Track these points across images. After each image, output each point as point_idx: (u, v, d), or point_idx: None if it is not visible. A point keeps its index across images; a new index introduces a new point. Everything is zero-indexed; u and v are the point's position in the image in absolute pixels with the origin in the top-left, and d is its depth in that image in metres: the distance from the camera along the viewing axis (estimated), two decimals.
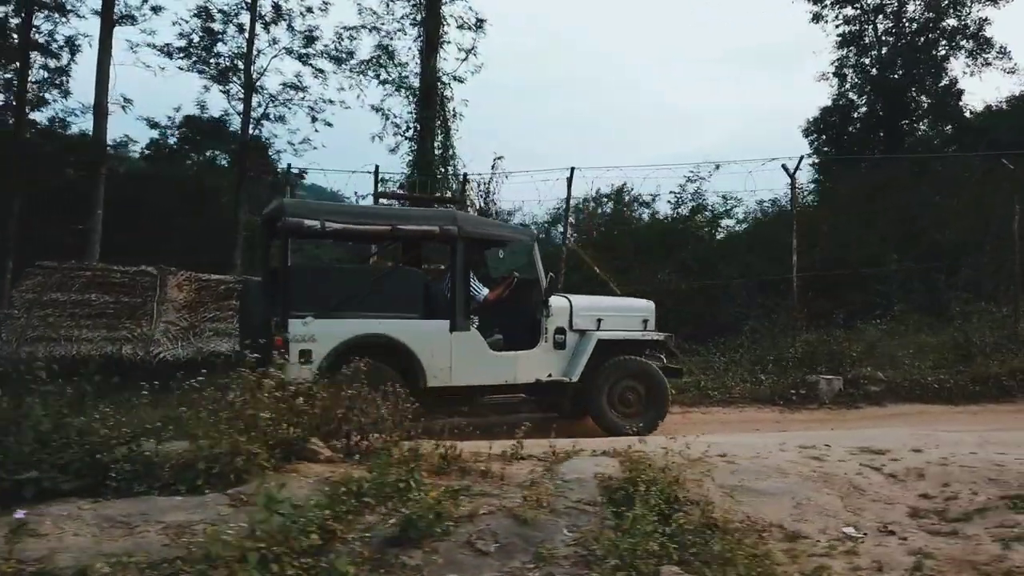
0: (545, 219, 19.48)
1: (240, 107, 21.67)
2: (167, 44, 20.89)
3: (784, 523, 5.17)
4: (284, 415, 5.06)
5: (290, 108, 22.30)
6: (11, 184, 17.45)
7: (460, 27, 17.19)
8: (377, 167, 13.47)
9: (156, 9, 19.85)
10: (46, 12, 18.99)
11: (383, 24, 19.13)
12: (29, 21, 18.65)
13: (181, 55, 21.10)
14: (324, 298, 8.44)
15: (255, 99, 21.62)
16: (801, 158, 13.06)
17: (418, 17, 17.56)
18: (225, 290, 13.63)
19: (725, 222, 18.88)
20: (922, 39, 27.40)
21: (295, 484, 4.69)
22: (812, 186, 24.21)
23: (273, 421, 4.94)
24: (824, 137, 28.69)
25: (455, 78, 17.11)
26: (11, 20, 19.29)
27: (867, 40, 28.56)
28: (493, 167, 15.32)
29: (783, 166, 13.16)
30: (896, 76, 27.43)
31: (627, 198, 21.32)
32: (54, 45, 19.58)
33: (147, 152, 24.59)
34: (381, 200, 13.54)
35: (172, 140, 24.01)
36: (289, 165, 18.26)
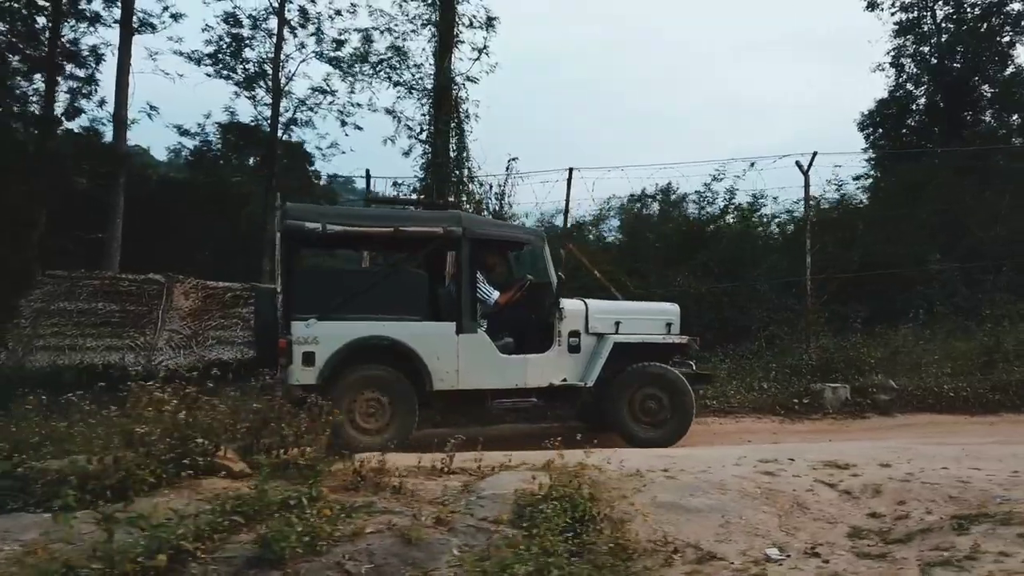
0: (588, 219, 19.30)
1: (266, 112, 21.92)
2: (194, 51, 21.26)
3: (702, 543, 5.00)
4: (176, 428, 5.05)
5: (316, 112, 22.45)
6: (36, 193, 17.91)
7: (469, 26, 17.18)
8: (368, 171, 13.51)
9: (176, 16, 20.20)
10: (73, 21, 19.47)
11: (396, 25, 19.31)
12: (57, 30, 19.15)
13: (209, 61, 21.43)
14: (329, 301, 8.58)
15: (283, 103, 21.82)
16: (814, 155, 12.60)
17: (432, 17, 17.61)
18: (231, 298, 13.76)
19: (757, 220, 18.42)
20: (984, 25, 26.49)
21: (181, 501, 4.67)
22: (866, 182, 23.71)
23: (160, 435, 4.93)
24: (880, 131, 27.96)
25: (468, 78, 17.06)
26: (46, 31, 19.82)
27: (926, 28, 27.76)
28: (507, 168, 15.21)
29: (796, 163, 12.81)
30: (957, 65, 26.62)
31: (673, 197, 21.05)
32: (81, 55, 20.03)
33: (190, 159, 25.03)
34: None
35: (217, 147, 24.38)
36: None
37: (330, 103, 22.24)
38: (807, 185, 13.00)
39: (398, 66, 19.20)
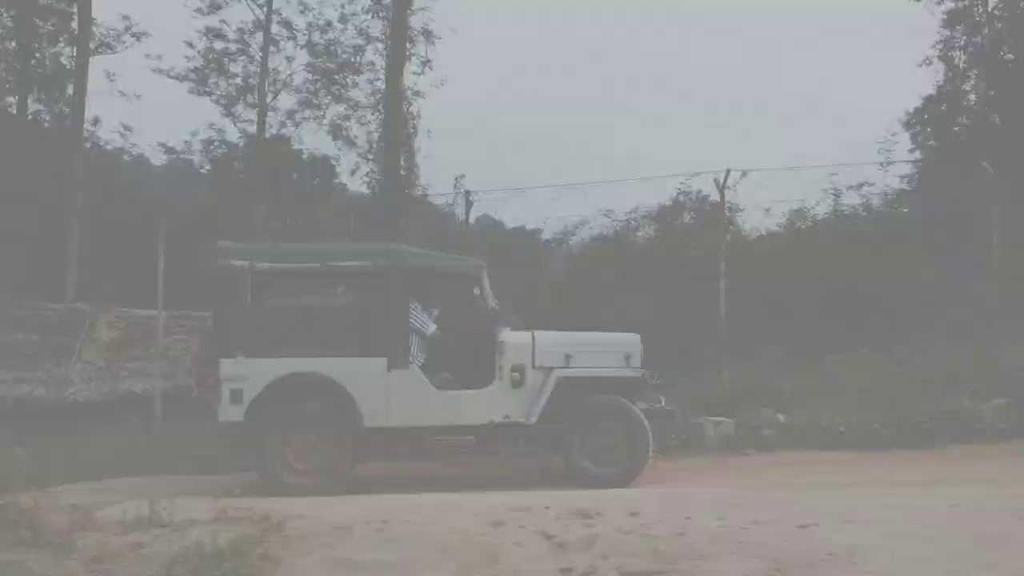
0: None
1: (250, 129, 22.39)
2: (171, 67, 21.80)
3: None
4: None
5: (301, 126, 22.85)
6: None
7: (410, 41, 17.37)
8: (265, 205, 13.92)
9: (138, 36, 20.89)
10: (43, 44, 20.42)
11: (344, 39, 19.67)
12: (29, 54, 20.14)
13: (195, 78, 22.00)
14: (260, 337, 8.99)
15: (268, 118, 22.28)
16: (728, 171, 12.54)
17: (383, 31, 17.92)
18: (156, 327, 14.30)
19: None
20: None
21: None
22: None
23: None
24: (929, 130, 27.10)
25: (415, 93, 17.33)
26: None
27: (977, 18, 26.87)
28: (455, 187, 15.37)
29: (714, 180, 12.74)
30: (1011, 56, 25.70)
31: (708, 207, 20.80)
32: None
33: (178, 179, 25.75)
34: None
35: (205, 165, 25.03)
36: None
37: (318, 117, 22.68)
38: (722, 202, 12.92)
39: (343, 82, 19.57)
